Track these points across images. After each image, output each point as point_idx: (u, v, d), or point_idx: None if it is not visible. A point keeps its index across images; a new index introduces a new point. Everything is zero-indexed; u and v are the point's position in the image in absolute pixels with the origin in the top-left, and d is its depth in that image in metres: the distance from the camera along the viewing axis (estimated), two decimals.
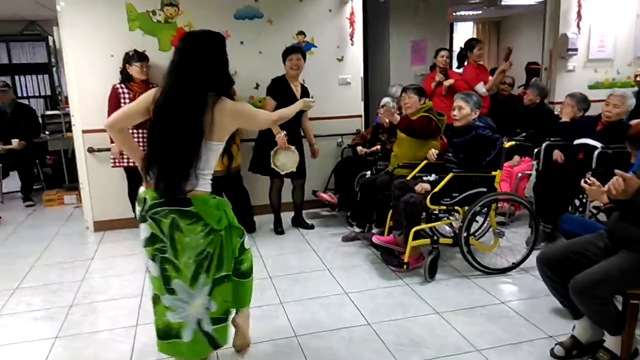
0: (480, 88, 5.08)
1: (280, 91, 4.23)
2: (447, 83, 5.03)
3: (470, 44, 5.21)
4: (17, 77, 8.00)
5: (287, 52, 4.26)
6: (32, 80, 8.03)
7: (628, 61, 5.81)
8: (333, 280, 3.45)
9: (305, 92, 4.38)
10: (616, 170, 2.15)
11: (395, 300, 3.14)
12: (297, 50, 4.27)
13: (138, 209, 2.12)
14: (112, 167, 4.34)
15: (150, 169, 2.04)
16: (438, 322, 2.85)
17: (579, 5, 5.45)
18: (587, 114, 4.28)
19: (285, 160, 4.21)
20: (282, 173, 4.24)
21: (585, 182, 2.49)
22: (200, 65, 2.00)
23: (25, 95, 8.10)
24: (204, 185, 2.10)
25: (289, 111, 2.46)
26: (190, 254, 2.07)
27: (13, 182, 6.15)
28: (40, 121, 6.42)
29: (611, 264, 2.21)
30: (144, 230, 2.11)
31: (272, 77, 4.31)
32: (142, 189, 2.13)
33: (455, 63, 6.13)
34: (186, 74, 2.00)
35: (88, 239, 4.56)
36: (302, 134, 4.48)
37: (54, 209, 5.57)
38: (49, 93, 8.30)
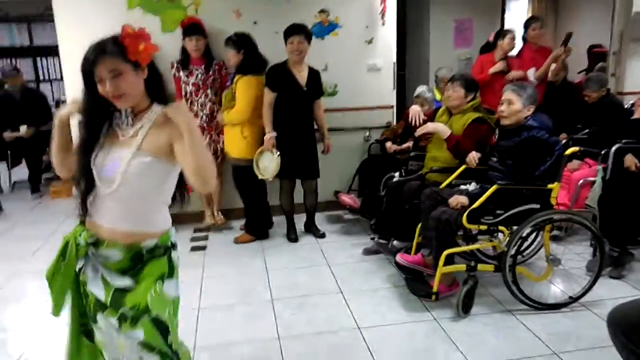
0: (530, 74, 4.37)
1: (279, 80, 3.64)
2: (516, 74, 4.27)
3: (527, 23, 4.54)
4: (38, 60, 7.71)
5: (288, 33, 3.62)
6: (55, 62, 7.69)
7: None
8: (346, 310, 2.87)
9: (314, 79, 3.74)
10: None
11: (419, 343, 2.53)
12: (300, 31, 3.59)
13: None
14: None
15: None
16: None
17: None
18: None
19: (267, 164, 3.69)
20: (260, 177, 3.71)
21: None
22: None
23: (47, 78, 7.80)
24: None
25: None
26: None
27: (25, 170, 5.86)
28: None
29: None
30: None
31: None
32: None
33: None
34: None
35: None
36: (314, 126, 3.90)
37: (60, 201, 5.21)
38: None
